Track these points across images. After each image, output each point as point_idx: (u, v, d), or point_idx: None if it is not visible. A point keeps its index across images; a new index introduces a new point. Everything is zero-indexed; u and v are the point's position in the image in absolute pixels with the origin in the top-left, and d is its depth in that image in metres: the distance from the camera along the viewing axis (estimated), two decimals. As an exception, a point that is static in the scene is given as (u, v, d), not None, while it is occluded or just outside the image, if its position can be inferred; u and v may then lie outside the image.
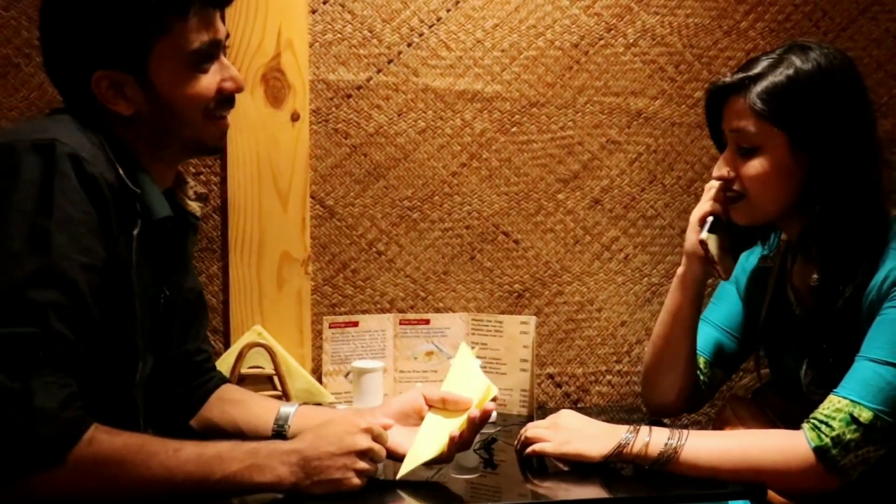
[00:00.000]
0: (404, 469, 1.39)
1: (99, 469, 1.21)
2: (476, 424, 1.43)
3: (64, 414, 1.18)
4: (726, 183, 1.58)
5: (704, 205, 1.64)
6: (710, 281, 1.75)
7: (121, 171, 1.31)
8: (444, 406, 1.47)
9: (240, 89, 1.41)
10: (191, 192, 1.51)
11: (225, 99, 1.40)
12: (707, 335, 1.76)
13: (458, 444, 1.42)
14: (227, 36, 1.41)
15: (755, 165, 1.53)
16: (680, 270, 1.70)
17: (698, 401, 1.78)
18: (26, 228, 1.20)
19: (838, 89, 1.51)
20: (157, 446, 1.26)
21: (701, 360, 1.74)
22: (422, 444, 1.42)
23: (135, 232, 1.33)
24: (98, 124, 1.34)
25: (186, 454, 1.26)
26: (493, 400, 1.46)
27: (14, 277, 1.18)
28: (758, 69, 1.52)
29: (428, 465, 1.41)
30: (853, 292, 1.50)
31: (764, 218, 1.59)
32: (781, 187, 1.53)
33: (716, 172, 1.59)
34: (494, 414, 1.51)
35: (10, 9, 1.88)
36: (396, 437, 1.44)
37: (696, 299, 1.69)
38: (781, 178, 1.52)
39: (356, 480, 1.32)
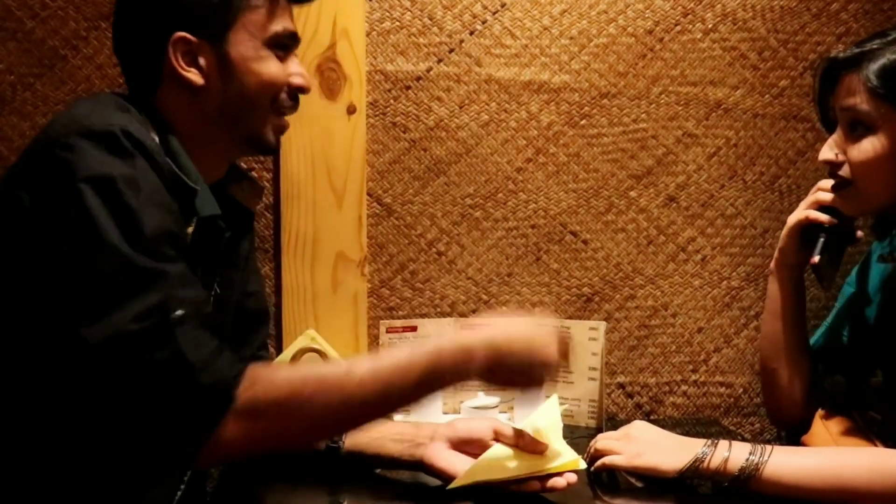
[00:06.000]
0: (461, 481, 1.38)
1: (269, 410, 1.22)
2: (538, 487, 1.40)
3: (219, 362, 1.20)
4: (832, 167, 1.54)
5: (802, 213, 1.63)
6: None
7: (174, 167, 1.31)
8: (515, 444, 1.42)
9: (308, 88, 1.45)
10: (246, 187, 1.53)
11: (293, 94, 1.43)
12: (826, 339, 1.75)
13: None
14: (299, 41, 1.48)
15: (865, 148, 1.48)
16: (772, 263, 1.70)
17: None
18: (116, 208, 1.20)
19: None
20: (325, 371, 1.30)
21: (820, 366, 1.72)
22: (486, 464, 1.39)
23: (189, 230, 1.33)
24: (151, 111, 1.36)
25: (361, 373, 1.26)
26: (564, 474, 1.41)
27: (121, 254, 1.18)
28: (875, 44, 1.49)
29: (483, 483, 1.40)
30: None
31: (873, 208, 1.55)
32: (893, 173, 1.48)
33: (822, 156, 1.55)
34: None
35: (57, -1, 1.94)
36: (452, 461, 1.42)
37: (795, 290, 1.69)
38: (893, 163, 1.47)
39: (535, 385, 1.39)
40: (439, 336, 1.42)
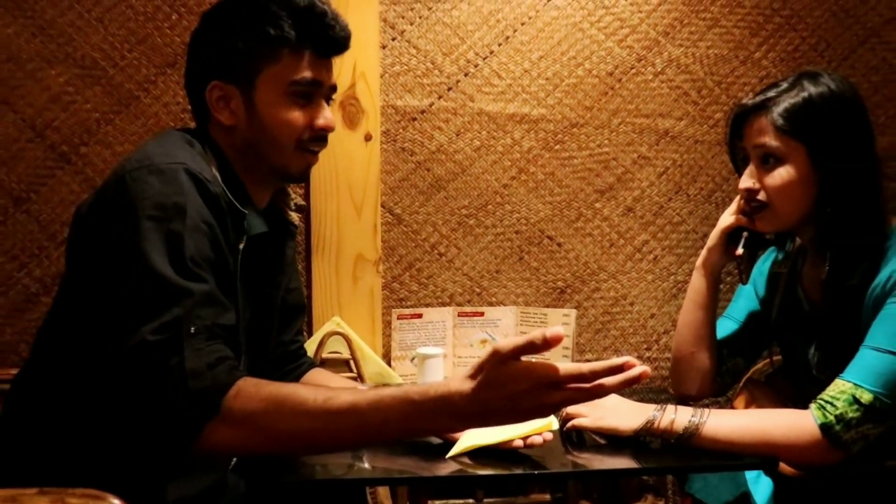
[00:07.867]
0: (456, 450, 1.42)
1: (248, 420, 1.18)
2: (520, 444, 1.44)
3: (212, 371, 1.19)
4: (749, 194, 1.59)
5: (732, 218, 1.67)
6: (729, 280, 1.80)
7: (229, 194, 1.36)
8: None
9: (329, 128, 1.45)
10: (291, 203, 1.58)
11: (317, 135, 1.44)
12: (729, 328, 1.78)
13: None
14: (334, 89, 1.48)
15: (778, 176, 1.54)
16: (699, 261, 1.72)
17: (722, 386, 1.79)
18: (164, 233, 1.24)
19: (846, 108, 1.55)
20: (305, 394, 1.20)
21: (724, 350, 1.76)
22: (477, 434, 1.42)
23: (241, 246, 1.38)
24: (211, 143, 1.43)
25: (339, 403, 1.18)
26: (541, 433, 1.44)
27: (158, 274, 1.22)
28: (776, 92, 1.56)
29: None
30: (858, 289, 1.52)
31: (786, 225, 1.61)
32: (801, 196, 1.55)
33: (742, 184, 1.59)
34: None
35: (133, 50, 2.06)
36: None
37: (716, 285, 1.73)
38: (801, 187, 1.54)
39: (539, 411, 1.15)
40: (427, 384, 1.16)
